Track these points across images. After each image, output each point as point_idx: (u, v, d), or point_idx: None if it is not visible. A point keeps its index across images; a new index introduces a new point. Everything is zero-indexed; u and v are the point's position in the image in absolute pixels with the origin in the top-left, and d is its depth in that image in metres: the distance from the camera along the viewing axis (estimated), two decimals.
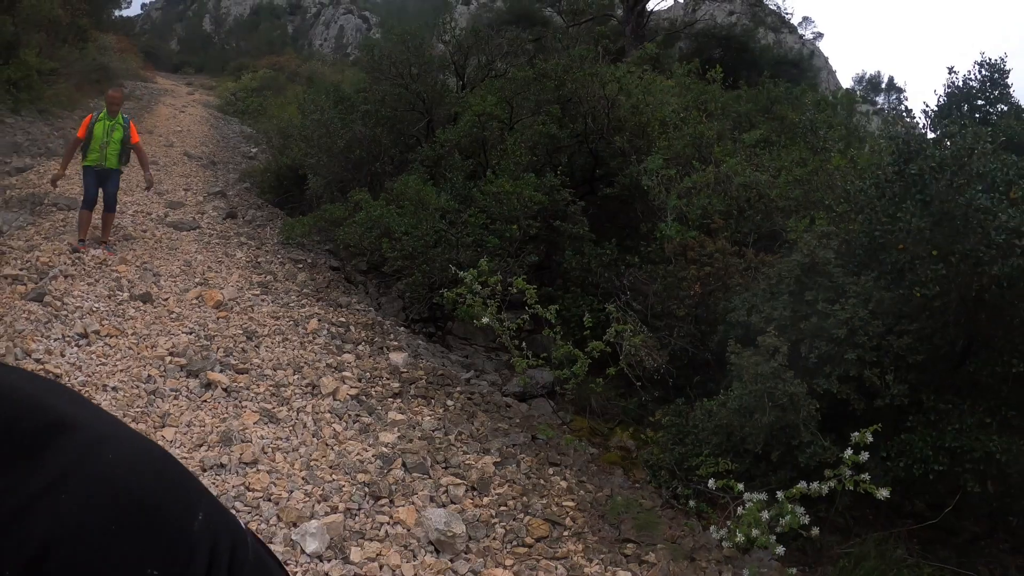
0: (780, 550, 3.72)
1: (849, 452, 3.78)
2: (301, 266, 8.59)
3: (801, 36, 71.04)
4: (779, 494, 3.82)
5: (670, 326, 6.46)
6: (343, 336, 6.34)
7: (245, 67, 32.42)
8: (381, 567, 3.31)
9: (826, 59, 72.15)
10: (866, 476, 3.63)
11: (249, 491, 3.72)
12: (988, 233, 4.12)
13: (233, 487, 3.71)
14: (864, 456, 3.62)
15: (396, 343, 6.44)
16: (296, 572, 3.09)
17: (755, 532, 3.80)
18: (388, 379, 5.53)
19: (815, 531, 3.91)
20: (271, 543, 3.22)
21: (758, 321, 5.22)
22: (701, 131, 8.09)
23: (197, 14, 59.46)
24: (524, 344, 5.69)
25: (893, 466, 4.46)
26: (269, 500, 3.68)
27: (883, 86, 47.42)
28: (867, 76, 46.78)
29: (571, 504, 4.18)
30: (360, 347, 6.17)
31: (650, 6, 26.29)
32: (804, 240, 5.24)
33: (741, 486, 3.95)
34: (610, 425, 6.66)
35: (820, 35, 73.11)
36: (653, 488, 5.16)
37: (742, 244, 6.65)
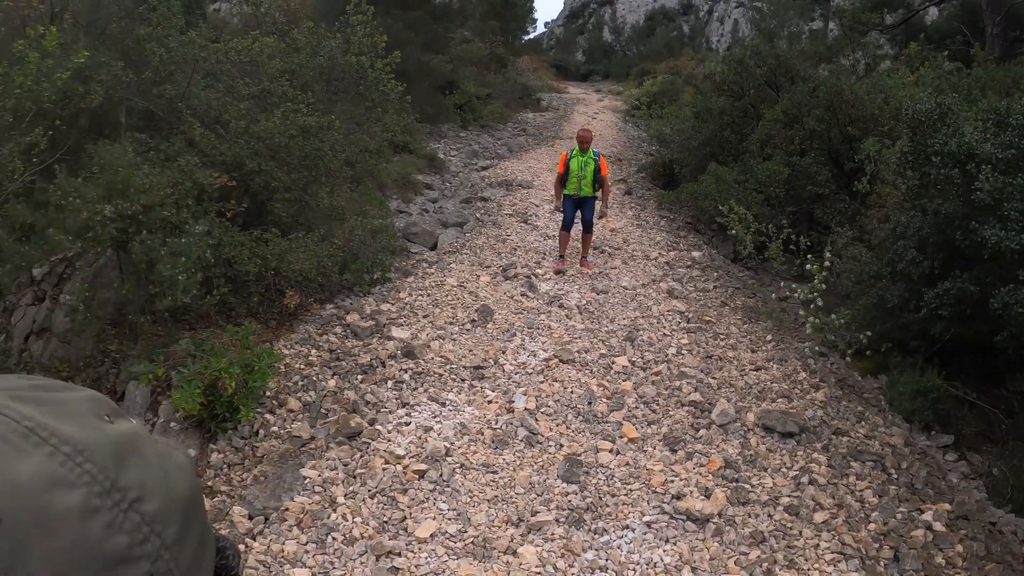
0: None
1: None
2: (665, 218, 15.37)
3: None
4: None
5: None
6: (672, 245, 12.99)
7: (647, 72, 39.04)
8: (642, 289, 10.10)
9: None
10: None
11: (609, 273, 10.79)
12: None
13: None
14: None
15: (700, 250, 12.97)
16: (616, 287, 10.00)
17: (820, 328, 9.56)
18: (687, 261, 12.07)
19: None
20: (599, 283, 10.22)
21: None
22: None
23: (596, 26, 68.54)
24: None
25: None
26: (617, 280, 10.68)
27: None
28: None
29: (740, 303, 10.40)
30: (680, 250, 12.79)
31: None
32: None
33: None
34: None
35: None
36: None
37: None
